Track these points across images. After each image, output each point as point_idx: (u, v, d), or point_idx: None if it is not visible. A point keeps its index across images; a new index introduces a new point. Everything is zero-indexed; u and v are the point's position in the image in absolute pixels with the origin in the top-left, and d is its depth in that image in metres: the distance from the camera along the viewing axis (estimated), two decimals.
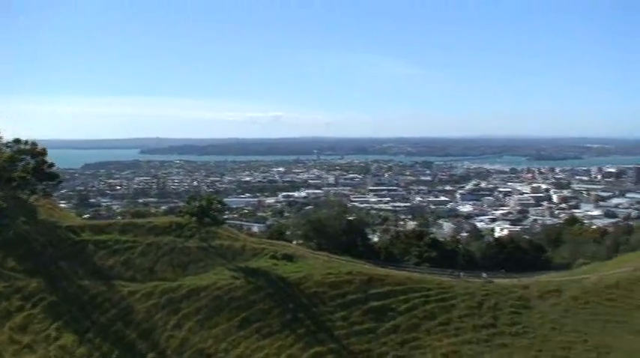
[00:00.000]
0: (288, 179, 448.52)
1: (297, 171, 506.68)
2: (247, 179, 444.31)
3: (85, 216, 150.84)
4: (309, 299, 61.79)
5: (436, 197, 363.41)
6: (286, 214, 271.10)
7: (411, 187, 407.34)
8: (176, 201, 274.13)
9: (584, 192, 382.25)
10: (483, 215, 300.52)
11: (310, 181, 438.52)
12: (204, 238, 70.34)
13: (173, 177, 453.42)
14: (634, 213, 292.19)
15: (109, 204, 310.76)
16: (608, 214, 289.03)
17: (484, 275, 72.96)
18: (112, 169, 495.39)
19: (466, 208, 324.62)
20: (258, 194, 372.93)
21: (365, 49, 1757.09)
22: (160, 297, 59.26)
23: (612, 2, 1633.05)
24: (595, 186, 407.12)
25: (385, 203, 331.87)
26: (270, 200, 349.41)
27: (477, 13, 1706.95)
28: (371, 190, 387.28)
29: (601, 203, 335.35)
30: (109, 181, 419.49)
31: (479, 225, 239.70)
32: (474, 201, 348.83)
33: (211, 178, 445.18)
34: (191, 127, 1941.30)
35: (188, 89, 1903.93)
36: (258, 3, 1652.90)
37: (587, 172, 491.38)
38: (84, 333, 53.85)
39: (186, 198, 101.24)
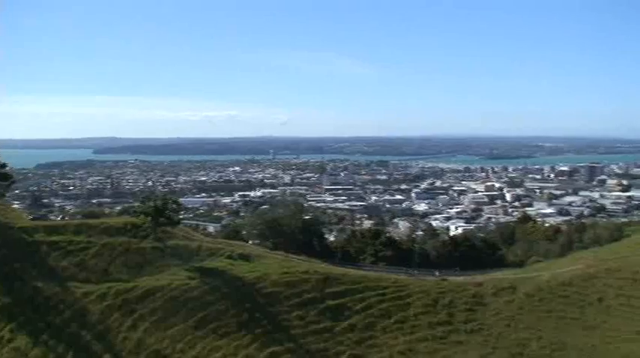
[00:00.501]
0: (244, 178, 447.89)
1: (253, 170, 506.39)
2: (203, 179, 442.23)
3: (37, 216, 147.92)
4: (265, 299, 61.64)
5: (392, 196, 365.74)
6: (242, 214, 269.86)
7: (367, 186, 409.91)
8: (130, 201, 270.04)
9: (537, 190, 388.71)
10: (438, 213, 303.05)
11: (266, 181, 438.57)
12: (159, 238, 69.57)
13: (127, 177, 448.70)
14: (586, 211, 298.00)
15: (62, 204, 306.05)
16: (561, 212, 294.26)
17: (436, 273, 73.70)
18: (66, 169, 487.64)
19: (421, 207, 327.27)
20: (213, 194, 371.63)
21: (321, 48, 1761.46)
22: (115, 298, 58.48)
23: (564, 3, 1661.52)
24: (548, 185, 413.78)
25: (341, 202, 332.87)
26: (226, 200, 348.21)
27: (433, 12, 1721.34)
28: (327, 189, 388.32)
29: (554, 201, 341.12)
30: (63, 181, 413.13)
31: (434, 223, 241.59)
32: (429, 200, 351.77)
33: (166, 178, 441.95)
34: (145, 127, 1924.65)
35: (142, 88, 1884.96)
36: (215, 1, 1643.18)
37: (540, 171, 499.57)
38: (38, 335, 52.89)
39: (141, 198, 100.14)
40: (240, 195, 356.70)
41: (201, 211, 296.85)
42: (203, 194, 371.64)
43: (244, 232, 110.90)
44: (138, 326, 56.07)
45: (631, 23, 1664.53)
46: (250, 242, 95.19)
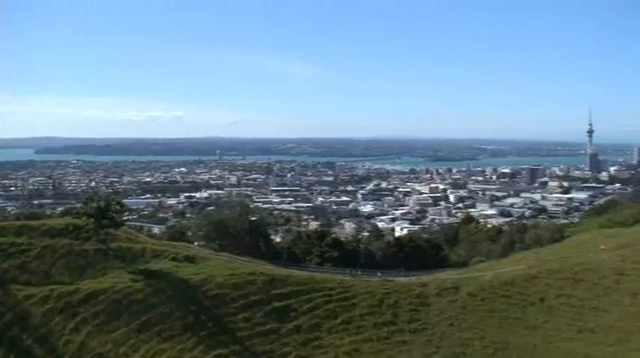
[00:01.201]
0: (189, 179, 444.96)
1: (198, 171, 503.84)
2: (148, 179, 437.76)
3: None
4: (210, 301, 61.15)
5: (338, 197, 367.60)
6: (188, 215, 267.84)
7: (313, 188, 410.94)
8: (73, 202, 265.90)
9: (480, 192, 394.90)
10: (384, 215, 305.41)
11: (212, 182, 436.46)
12: (102, 240, 68.39)
13: (70, 178, 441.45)
14: (528, 213, 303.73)
15: (3, 205, 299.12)
16: (503, 213, 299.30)
17: (378, 274, 74.17)
18: (7, 170, 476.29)
19: (367, 208, 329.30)
20: (159, 195, 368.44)
21: (267, 48, 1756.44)
22: (57, 301, 57.34)
23: (499, 4, 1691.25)
24: (490, 186, 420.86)
25: (288, 203, 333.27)
26: (172, 201, 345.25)
27: (378, 14, 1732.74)
28: (273, 191, 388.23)
29: (496, 202, 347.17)
30: (3, 182, 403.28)
31: (379, 224, 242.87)
32: (375, 201, 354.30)
33: (110, 179, 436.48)
34: (89, 126, 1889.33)
35: (85, 87, 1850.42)
36: (161, 1, 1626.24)
37: (483, 173, 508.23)
38: None
39: (84, 199, 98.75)
40: (185, 196, 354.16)
41: (146, 212, 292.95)
42: (148, 195, 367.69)
43: (190, 234, 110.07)
44: (80, 329, 55.10)
45: (570, 24, 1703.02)
46: (196, 243, 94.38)
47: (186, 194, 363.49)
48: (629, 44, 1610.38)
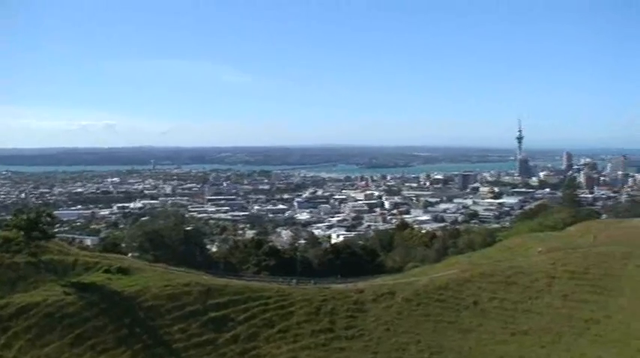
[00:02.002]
0: (122, 190, 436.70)
1: (132, 181, 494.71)
2: (79, 190, 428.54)
3: None
4: (145, 313, 60.24)
5: (274, 205, 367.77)
6: (121, 226, 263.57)
7: (249, 196, 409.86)
8: (2, 214, 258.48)
9: (414, 198, 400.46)
10: (320, 222, 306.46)
11: (146, 191, 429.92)
12: (33, 253, 66.69)
13: None
14: (460, 218, 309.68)
15: None
16: (437, 219, 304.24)
17: (312, 281, 74.31)
18: None
19: (303, 216, 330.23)
20: (91, 206, 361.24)
21: (200, 56, 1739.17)
22: None
23: (435, 8, 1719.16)
24: (424, 193, 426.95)
25: (224, 212, 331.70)
26: (104, 211, 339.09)
27: (312, 22, 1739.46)
28: (209, 200, 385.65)
29: (430, 208, 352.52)
30: None
31: (316, 232, 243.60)
32: (311, 209, 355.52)
33: (40, 190, 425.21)
34: (18, 136, 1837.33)
35: (13, 96, 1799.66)
36: (89, 6, 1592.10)
37: (417, 179, 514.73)
38: None
39: (13, 211, 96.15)
40: (118, 207, 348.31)
41: (78, 224, 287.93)
42: (79, 206, 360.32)
43: (123, 245, 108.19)
44: (12, 344, 53.78)
45: (500, 31, 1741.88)
46: (130, 255, 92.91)
47: (120, 204, 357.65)
48: (558, 52, 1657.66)
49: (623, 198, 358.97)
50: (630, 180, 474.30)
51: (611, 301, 63.37)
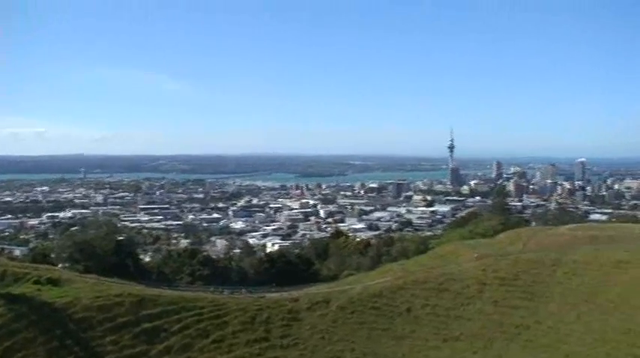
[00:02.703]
0: (52, 199, 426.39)
1: (62, 190, 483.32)
2: (8, 199, 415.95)
3: None
4: (76, 325, 59.11)
5: (209, 214, 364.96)
6: (51, 236, 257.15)
7: (183, 205, 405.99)
8: None
9: (349, 206, 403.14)
10: (255, 231, 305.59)
11: (77, 201, 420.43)
12: None
13: None
14: (394, 226, 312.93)
15: None
16: (371, 227, 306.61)
17: (243, 290, 74.11)
18: None
19: (238, 225, 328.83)
20: (19, 215, 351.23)
21: (133, 64, 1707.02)
22: None
23: (366, 22, 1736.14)
24: (358, 201, 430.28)
25: (157, 221, 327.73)
26: (34, 221, 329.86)
27: (246, 30, 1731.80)
28: (142, 209, 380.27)
29: (364, 216, 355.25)
30: None
31: (251, 241, 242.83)
32: (247, 218, 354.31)
33: None
34: None
35: None
36: (19, 9, 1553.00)
37: (351, 188, 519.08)
38: None
39: None
40: (48, 216, 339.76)
41: (6, 234, 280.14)
42: (8, 215, 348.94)
43: (53, 255, 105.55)
44: None
45: (428, 40, 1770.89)
46: (60, 265, 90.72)
47: (49, 214, 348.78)
48: (486, 62, 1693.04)
49: (552, 205, 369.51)
50: (559, 188, 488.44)
51: (541, 307, 65.01)
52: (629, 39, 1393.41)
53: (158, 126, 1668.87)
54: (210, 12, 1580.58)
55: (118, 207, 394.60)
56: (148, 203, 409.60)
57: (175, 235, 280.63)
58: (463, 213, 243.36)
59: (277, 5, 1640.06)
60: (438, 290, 70.21)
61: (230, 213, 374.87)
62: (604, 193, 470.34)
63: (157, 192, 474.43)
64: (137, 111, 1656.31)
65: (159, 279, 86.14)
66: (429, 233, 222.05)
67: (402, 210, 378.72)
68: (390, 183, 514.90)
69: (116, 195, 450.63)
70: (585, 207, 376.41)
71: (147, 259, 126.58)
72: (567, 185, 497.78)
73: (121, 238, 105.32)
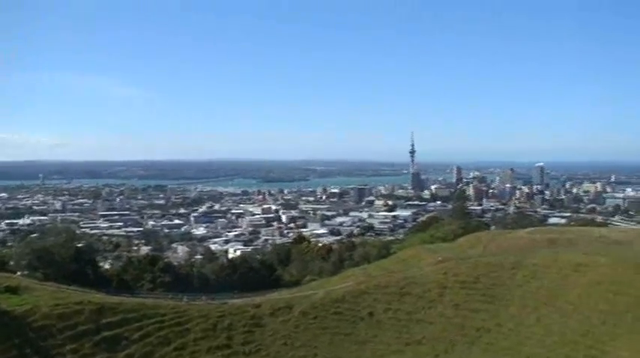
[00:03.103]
0: (10, 205, 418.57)
1: (20, 196, 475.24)
2: None
3: None
4: (36, 333, 58.21)
5: (170, 221, 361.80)
6: (9, 243, 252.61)
7: (144, 211, 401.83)
8: None
9: (311, 211, 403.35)
10: (217, 237, 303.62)
11: (35, 207, 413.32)
12: None
13: None
14: (356, 231, 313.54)
15: None
16: (333, 232, 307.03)
17: (203, 297, 73.74)
18: None
19: (200, 231, 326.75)
20: None
21: (92, 69, 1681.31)
22: None
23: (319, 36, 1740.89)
24: (320, 206, 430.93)
25: (117, 228, 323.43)
26: None
27: (204, 32, 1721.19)
28: (102, 215, 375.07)
29: (326, 222, 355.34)
30: None
31: (213, 247, 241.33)
32: (208, 224, 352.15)
33: None
34: None
35: None
36: None
37: (313, 193, 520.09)
38: None
39: None
40: (6, 224, 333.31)
41: None
42: None
43: (12, 263, 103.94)
44: None
45: (389, 54, 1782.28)
46: (19, 273, 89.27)
47: (7, 221, 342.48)
48: (445, 67, 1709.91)
49: (511, 209, 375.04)
50: (518, 192, 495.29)
51: (502, 310, 65.84)
52: (584, 43, 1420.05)
53: (117, 132, 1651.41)
54: (167, 16, 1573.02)
55: (77, 213, 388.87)
56: (108, 209, 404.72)
57: (136, 242, 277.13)
58: (424, 218, 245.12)
59: (230, 7, 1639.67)
60: (399, 295, 70.68)
61: (191, 219, 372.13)
62: (562, 197, 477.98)
63: (117, 199, 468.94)
64: (97, 117, 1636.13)
65: (119, 287, 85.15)
66: (390, 237, 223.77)
67: (364, 215, 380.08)
68: (352, 188, 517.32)
69: (75, 202, 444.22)
70: (544, 211, 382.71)
71: (107, 266, 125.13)
72: (526, 189, 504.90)
73: (80, 245, 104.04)
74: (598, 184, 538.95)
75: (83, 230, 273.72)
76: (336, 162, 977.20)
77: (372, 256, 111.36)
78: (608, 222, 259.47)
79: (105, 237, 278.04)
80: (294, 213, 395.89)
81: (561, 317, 61.26)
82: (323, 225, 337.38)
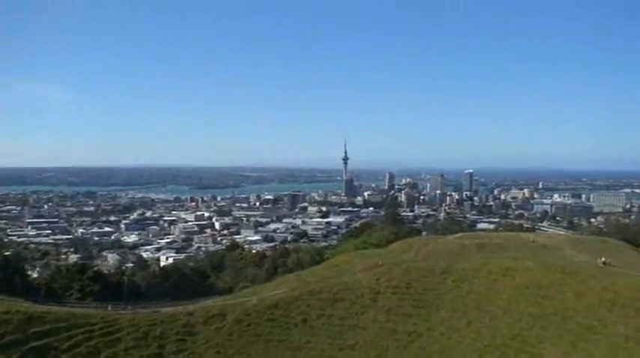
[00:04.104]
0: None
1: None
2: None
3: None
4: None
5: (100, 228, 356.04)
6: None
7: (73, 219, 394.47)
8: None
9: (245, 218, 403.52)
10: (149, 244, 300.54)
11: None
12: None
13: None
14: (290, 237, 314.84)
15: None
16: (267, 239, 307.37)
17: (128, 306, 72.72)
18: None
19: (131, 238, 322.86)
20: None
21: (17, 73, 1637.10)
22: None
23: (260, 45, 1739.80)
24: (254, 213, 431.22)
25: (45, 236, 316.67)
26: None
27: (137, 37, 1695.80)
28: (29, 223, 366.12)
29: (260, 228, 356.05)
30: None
31: (145, 254, 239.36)
32: (140, 231, 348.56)
33: None
34: None
35: None
36: None
37: (247, 200, 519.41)
38: None
39: None
40: None
41: None
42: None
43: None
44: None
45: (320, 62, 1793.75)
46: None
47: None
48: (378, 75, 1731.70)
49: (442, 215, 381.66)
50: (448, 198, 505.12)
51: (433, 314, 66.83)
52: (507, 53, 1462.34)
53: (45, 138, 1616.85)
54: (101, 21, 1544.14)
55: (3, 221, 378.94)
56: (36, 217, 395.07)
57: (65, 250, 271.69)
58: (357, 224, 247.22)
59: (160, 15, 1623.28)
60: (333, 300, 71.01)
61: (122, 226, 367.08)
62: (491, 203, 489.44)
63: (45, 206, 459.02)
64: (22, 122, 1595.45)
65: (48, 296, 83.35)
66: (324, 243, 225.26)
67: (298, 222, 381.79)
68: (286, 195, 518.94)
69: (1, 209, 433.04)
70: (473, 217, 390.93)
71: (35, 275, 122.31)
72: (456, 195, 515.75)
73: (7, 253, 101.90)
74: (526, 191, 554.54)
75: (10, 238, 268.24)
76: (269, 168, 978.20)
77: (305, 262, 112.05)
78: (536, 227, 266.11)
79: (33, 245, 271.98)
80: (227, 219, 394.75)
81: (491, 320, 62.56)
82: (257, 232, 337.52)
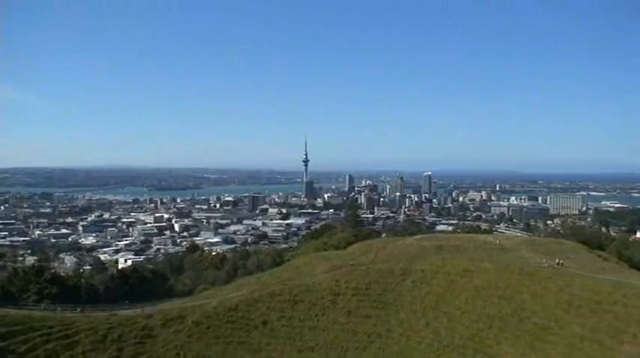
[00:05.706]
0: None
1: None
2: None
3: None
4: None
5: (57, 230, 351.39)
6: None
7: (29, 220, 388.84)
8: None
9: (205, 220, 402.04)
10: (107, 246, 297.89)
11: None
12: None
13: None
14: (250, 239, 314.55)
15: None
16: (227, 240, 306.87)
17: (77, 309, 71.58)
18: None
19: (89, 240, 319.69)
20: None
21: None
22: None
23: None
24: (214, 215, 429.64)
25: (2, 238, 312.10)
26: None
27: (95, 37, 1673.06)
28: None
29: (220, 230, 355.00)
30: None
31: (102, 257, 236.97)
32: (98, 233, 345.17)
33: None
34: None
35: None
36: None
37: (207, 201, 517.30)
38: None
39: None
40: None
41: None
42: None
43: None
44: None
45: (282, 65, 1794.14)
46: None
47: None
48: (337, 77, 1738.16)
49: (401, 217, 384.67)
50: (407, 200, 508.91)
51: (392, 315, 67.62)
52: (466, 57, 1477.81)
53: (0, 138, 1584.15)
54: (60, 21, 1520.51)
55: None
56: None
57: (21, 252, 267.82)
58: (317, 226, 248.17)
59: (114, 12, 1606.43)
60: (293, 302, 71.30)
61: (80, 228, 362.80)
62: (449, 205, 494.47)
63: (2, 207, 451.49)
64: None
65: (4, 298, 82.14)
66: (284, 245, 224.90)
67: (258, 223, 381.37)
68: (246, 197, 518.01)
69: None
70: (432, 219, 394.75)
71: None
72: (415, 198, 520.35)
73: None
74: (483, 193, 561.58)
75: None
76: (230, 170, 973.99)
77: (265, 264, 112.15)
78: (494, 229, 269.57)
79: None
80: (187, 221, 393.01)
81: (449, 321, 63.50)
82: (217, 234, 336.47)
